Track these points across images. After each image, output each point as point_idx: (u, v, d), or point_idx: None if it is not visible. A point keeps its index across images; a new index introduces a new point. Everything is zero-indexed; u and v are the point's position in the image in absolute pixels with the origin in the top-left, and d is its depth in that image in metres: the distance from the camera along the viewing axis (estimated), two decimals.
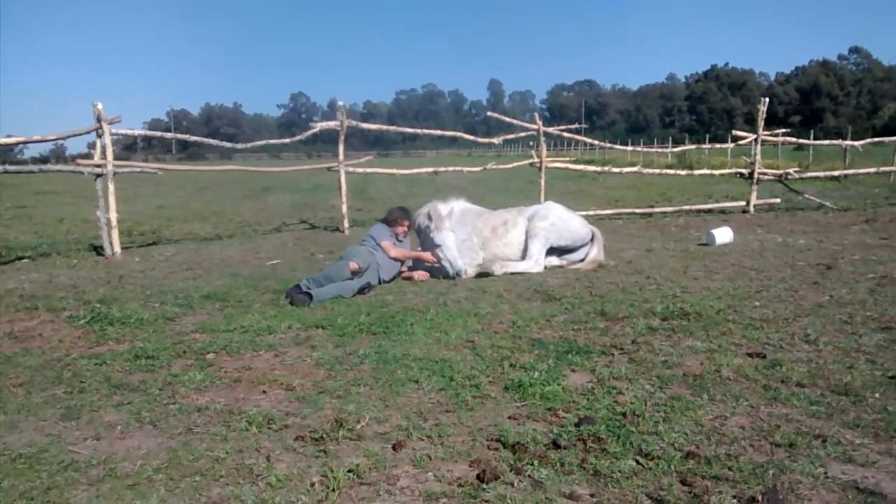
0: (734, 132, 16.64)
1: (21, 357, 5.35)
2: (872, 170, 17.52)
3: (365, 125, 15.77)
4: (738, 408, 3.96)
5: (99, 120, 10.57)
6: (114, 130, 10.90)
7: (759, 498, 2.88)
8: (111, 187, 10.69)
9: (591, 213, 13.89)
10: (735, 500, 2.87)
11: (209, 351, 5.40)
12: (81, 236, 13.31)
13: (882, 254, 8.83)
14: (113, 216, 10.71)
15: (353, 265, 7.40)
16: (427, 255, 8.30)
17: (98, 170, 10.68)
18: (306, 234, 13.40)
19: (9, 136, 10.60)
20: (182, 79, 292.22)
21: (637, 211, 15.30)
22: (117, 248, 10.73)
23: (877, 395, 4.06)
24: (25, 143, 10.97)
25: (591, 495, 3.04)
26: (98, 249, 11.08)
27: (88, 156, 11.08)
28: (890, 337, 5.18)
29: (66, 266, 9.92)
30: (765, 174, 15.59)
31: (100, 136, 10.70)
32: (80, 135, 11.03)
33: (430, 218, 8.31)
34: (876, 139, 21.02)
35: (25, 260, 10.47)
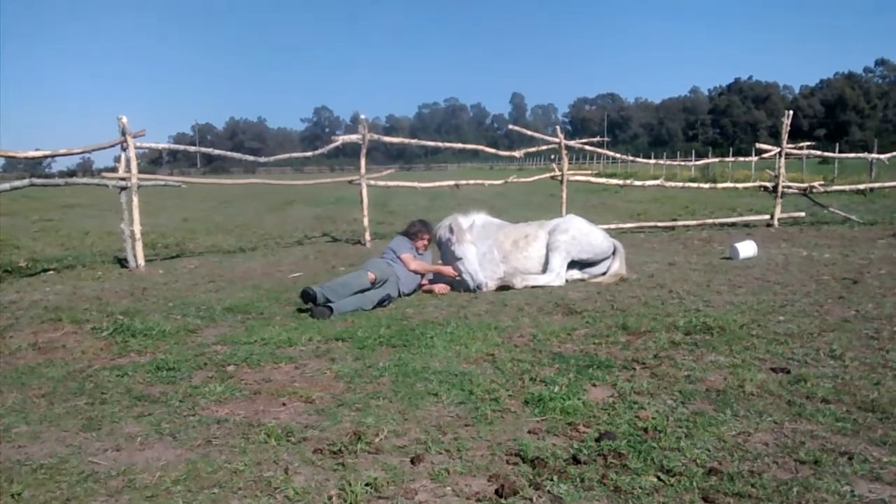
0: (758, 145, 16.53)
1: (44, 368, 5.40)
2: None
3: (387, 138, 15.85)
4: (761, 424, 3.90)
5: (124, 133, 10.69)
6: (138, 144, 11.03)
7: None
8: (135, 200, 10.80)
9: (612, 226, 13.82)
10: None
11: (230, 363, 5.42)
12: (106, 249, 13.44)
13: None
14: (137, 229, 10.82)
15: (371, 275, 7.41)
16: (447, 269, 8.29)
17: (122, 183, 10.79)
18: (328, 247, 13.44)
19: (36, 149, 10.72)
20: (207, 93, 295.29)
21: (660, 224, 15.21)
22: (141, 261, 10.82)
23: None
24: (52, 156, 11.12)
25: None
26: (122, 262, 11.18)
27: (114, 169, 11.19)
28: None
29: (90, 278, 10.02)
30: (789, 188, 15.45)
31: (124, 150, 10.82)
32: (104, 148, 11.15)
33: (451, 231, 8.31)
34: None
35: (51, 272, 10.59)
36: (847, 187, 18.28)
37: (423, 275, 8.35)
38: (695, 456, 3.48)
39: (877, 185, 18.87)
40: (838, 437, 3.68)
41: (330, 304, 7.02)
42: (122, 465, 3.60)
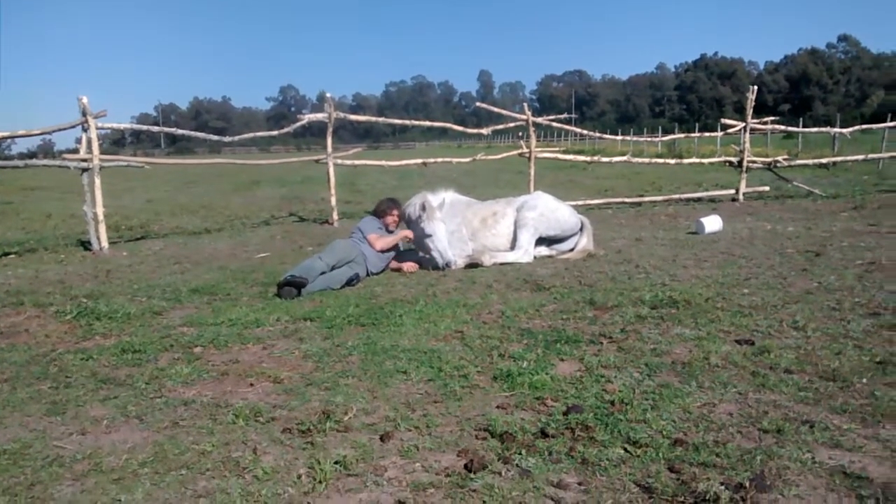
0: (723, 121, 16.66)
1: (7, 353, 5.31)
2: (861, 157, 17.59)
3: (353, 117, 15.72)
4: (726, 395, 3.95)
5: (84, 114, 10.49)
6: (100, 124, 10.84)
7: (747, 484, 2.88)
8: (97, 182, 10.62)
9: (580, 202, 13.89)
10: (723, 487, 2.86)
11: (197, 344, 5.37)
12: (69, 232, 13.23)
13: (870, 240, 8.85)
14: (100, 211, 10.65)
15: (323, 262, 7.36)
16: (403, 234, 8.31)
17: (84, 164, 10.61)
18: (295, 227, 13.35)
19: None
20: (170, 73, 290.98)
21: (627, 200, 15.31)
22: (105, 243, 10.66)
23: (864, 381, 4.06)
24: (10, 137, 10.89)
25: (579, 483, 3.03)
26: (85, 245, 11.01)
27: (75, 151, 10.98)
28: (878, 323, 5.19)
29: (53, 261, 9.86)
30: (754, 162, 15.61)
31: (85, 130, 10.63)
32: (65, 129, 10.93)
33: (422, 209, 8.27)
34: (864, 126, 21.05)
35: (12, 256, 10.40)
36: (810, 161, 18.54)
37: (392, 253, 8.32)
38: (661, 427, 3.52)
39: (839, 158, 19.13)
40: (800, 406, 3.75)
41: (304, 280, 6.94)
42: (87, 448, 3.56)
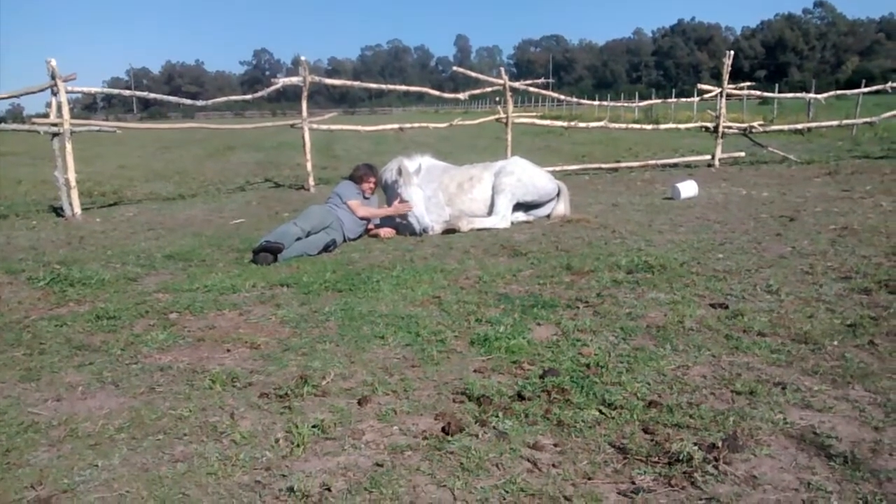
0: (700, 86, 16.65)
1: None
2: (835, 123, 17.67)
3: (329, 81, 15.54)
4: (700, 357, 4.01)
5: (53, 77, 10.28)
6: (70, 88, 10.65)
7: (720, 444, 2.93)
8: (69, 147, 10.45)
9: (557, 168, 13.88)
10: (696, 447, 2.91)
11: (172, 311, 5.33)
12: (40, 198, 13.03)
13: (843, 206, 8.95)
14: (72, 176, 10.49)
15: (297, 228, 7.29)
16: (396, 208, 8.20)
17: (54, 129, 10.42)
18: (271, 193, 13.24)
19: None
20: (142, 36, 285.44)
21: (603, 166, 15.32)
22: (77, 209, 10.53)
23: (835, 343, 4.13)
24: None
25: (555, 445, 3.07)
26: (57, 211, 10.87)
27: (45, 116, 10.78)
28: (849, 286, 5.26)
29: (24, 227, 9.73)
30: (730, 128, 15.66)
31: (55, 94, 10.43)
32: (33, 93, 10.72)
33: (399, 173, 8.22)
34: (839, 92, 21.18)
35: None
36: (786, 127, 18.63)
37: (370, 219, 8.28)
38: (635, 390, 3.56)
39: (814, 124, 19.25)
40: (773, 369, 3.81)
41: (279, 245, 6.90)
42: (63, 414, 3.54)
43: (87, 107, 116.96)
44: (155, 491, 2.81)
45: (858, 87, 21.62)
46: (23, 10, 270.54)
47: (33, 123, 10.92)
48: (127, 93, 14.63)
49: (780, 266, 5.98)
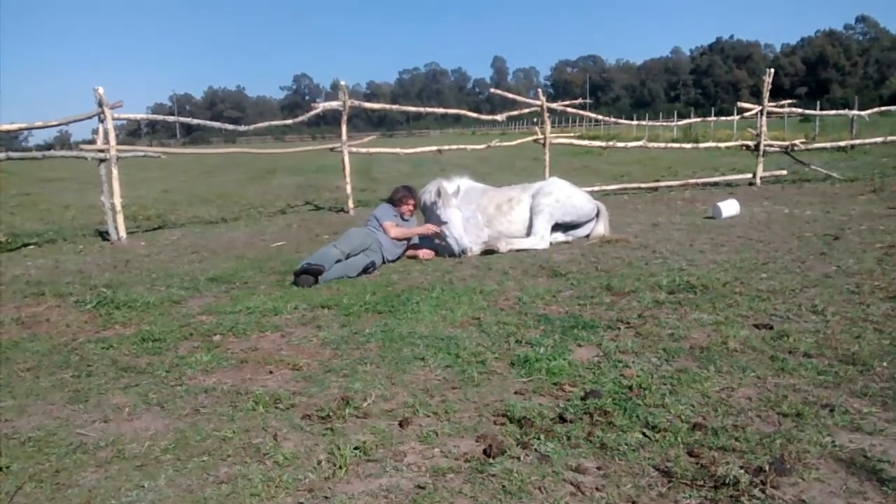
0: (740, 104, 16.51)
1: (28, 342, 5.38)
2: (879, 139, 17.33)
3: (367, 104, 15.70)
4: (744, 379, 3.94)
5: (100, 105, 10.54)
6: (116, 115, 10.88)
7: (767, 468, 2.88)
8: (115, 172, 10.69)
9: (596, 188, 13.83)
10: (742, 471, 2.86)
11: (215, 333, 5.41)
12: (87, 222, 13.33)
13: (889, 223, 8.77)
14: (117, 201, 10.72)
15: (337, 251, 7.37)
16: (426, 228, 8.26)
17: (101, 155, 10.68)
18: (311, 216, 13.38)
19: (12, 122, 10.57)
20: (185, 63, 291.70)
21: (643, 186, 15.22)
22: (123, 233, 10.74)
23: (884, 364, 4.04)
24: (28, 129, 10.95)
25: (598, 468, 3.04)
26: (104, 235, 11.10)
27: (92, 142, 11.05)
28: None
29: (72, 252, 9.95)
30: (771, 146, 15.48)
31: (102, 121, 10.69)
32: (81, 120, 10.99)
33: (438, 195, 8.27)
34: (883, 108, 20.75)
35: (31, 246, 10.50)
36: (828, 144, 18.31)
37: (408, 241, 8.33)
38: (679, 412, 3.52)
39: (857, 141, 18.89)
40: (820, 390, 3.73)
41: (320, 268, 6.97)
42: (110, 435, 3.60)
43: (131, 132, 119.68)
44: None
45: None
46: (70, 40, 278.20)
47: (81, 150, 11.19)
48: (171, 119, 14.89)
49: (826, 285, 5.88)
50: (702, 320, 5.10)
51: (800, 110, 20.58)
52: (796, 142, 16.45)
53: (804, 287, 5.87)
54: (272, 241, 10.30)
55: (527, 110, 15.69)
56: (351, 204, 13.54)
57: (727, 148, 17.54)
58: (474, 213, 8.57)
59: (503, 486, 2.91)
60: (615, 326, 5.07)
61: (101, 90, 10.53)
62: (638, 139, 19.43)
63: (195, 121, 14.71)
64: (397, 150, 15.88)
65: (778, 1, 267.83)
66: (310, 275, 6.94)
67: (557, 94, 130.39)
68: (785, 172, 15.54)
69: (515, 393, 3.93)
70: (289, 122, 15.69)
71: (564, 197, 8.68)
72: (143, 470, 3.22)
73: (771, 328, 4.80)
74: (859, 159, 19.47)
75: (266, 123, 15.89)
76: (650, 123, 24.78)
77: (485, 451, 3.20)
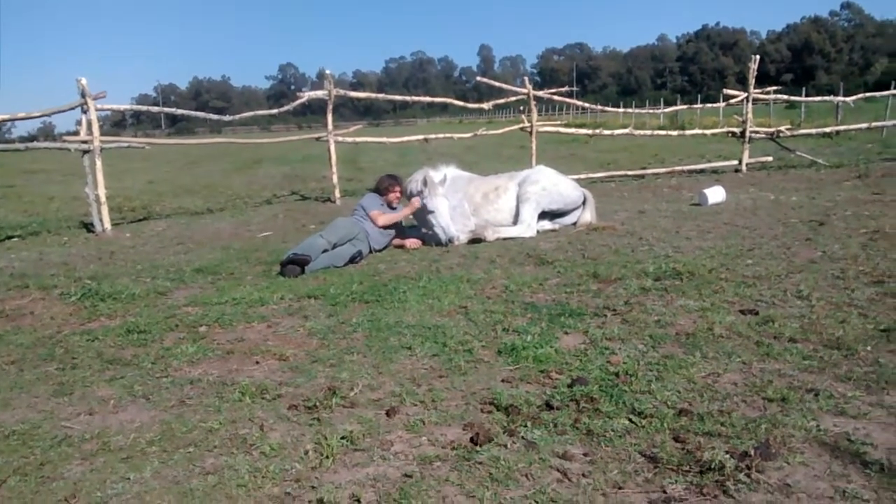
0: (726, 91, 16.56)
1: (13, 335, 5.33)
2: (864, 125, 17.41)
3: (353, 93, 15.66)
4: (730, 364, 3.96)
5: (83, 95, 10.45)
6: (99, 106, 10.78)
7: (752, 452, 2.89)
8: (99, 163, 10.61)
9: (582, 176, 13.84)
10: (728, 455, 2.88)
11: (201, 324, 5.38)
12: (71, 214, 13.23)
13: (874, 209, 8.83)
14: (102, 192, 10.64)
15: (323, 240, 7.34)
16: (411, 205, 8.26)
17: (85, 146, 10.59)
18: (297, 206, 13.34)
19: None
20: (169, 53, 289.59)
21: (629, 173, 15.26)
22: (107, 225, 10.67)
23: (868, 349, 4.06)
24: (10, 120, 10.81)
25: (585, 454, 3.05)
26: (88, 226, 11.02)
27: (76, 133, 10.96)
28: (882, 291, 5.18)
29: (56, 244, 9.88)
30: (757, 133, 15.54)
31: (85, 112, 10.59)
32: (64, 111, 10.89)
33: (424, 184, 8.25)
34: (867, 94, 20.84)
35: (15, 239, 10.42)
36: (814, 131, 18.39)
37: (394, 229, 8.31)
38: (665, 398, 3.53)
39: (842, 127, 18.99)
40: (805, 375, 3.75)
41: (306, 257, 6.95)
42: (95, 428, 3.58)
43: (115, 123, 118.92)
44: (186, 503, 2.84)
45: (888, 88, 21.35)
46: (51, 29, 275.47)
47: (64, 141, 11.10)
48: (156, 109, 14.79)
49: (811, 271, 5.91)
50: (688, 307, 5.12)
51: (785, 97, 20.64)
52: (782, 128, 16.54)
53: (789, 273, 5.90)
54: (258, 231, 10.26)
55: (513, 98, 15.67)
56: (337, 193, 13.50)
57: (713, 135, 17.59)
58: (461, 201, 8.56)
59: (490, 474, 2.91)
60: (602, 314, 5.08)
61: (83, 81, 10.43)
62: (624, 127, 19.46)
63: (180, 111, 14.57)
64: (384, 139, 15.85)
65: None
66: (296, 265, 6.92)
67: (544, 82, 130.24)
68: (770, 159, 15.61)
69: (502, 381, 3.93)
70: (274, 111, 15.60)
71: (551, 185, 8.68)
72: (128, 462, 3.20)
73: (756, 314, 4.82)
74: (844, 145, 19.58)
75: (251, 113, 15.84)
76: (637, 111, 24.82)
77: (472, 439, 3.20)
